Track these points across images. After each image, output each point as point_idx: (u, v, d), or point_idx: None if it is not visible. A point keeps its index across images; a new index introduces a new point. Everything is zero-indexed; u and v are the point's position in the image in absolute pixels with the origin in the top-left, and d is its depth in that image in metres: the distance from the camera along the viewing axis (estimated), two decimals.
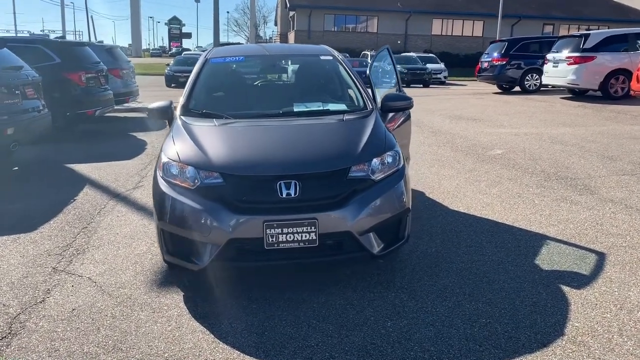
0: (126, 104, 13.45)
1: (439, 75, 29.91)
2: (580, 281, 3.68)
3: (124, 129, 11.56)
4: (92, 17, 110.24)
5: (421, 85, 27.31)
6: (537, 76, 18.56)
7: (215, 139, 3.71)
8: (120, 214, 5.32)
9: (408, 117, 5.56)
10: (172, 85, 24.11)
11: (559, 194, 5.85)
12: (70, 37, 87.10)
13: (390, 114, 4.91)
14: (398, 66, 23.75)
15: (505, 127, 10.94)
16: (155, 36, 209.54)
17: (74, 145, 9.19)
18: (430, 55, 32.82)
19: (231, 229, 3.29)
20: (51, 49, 9.66)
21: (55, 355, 2.87)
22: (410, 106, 4.71)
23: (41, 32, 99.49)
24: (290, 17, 47.16)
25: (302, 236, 3.30)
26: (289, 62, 4.98)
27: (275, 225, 3.27)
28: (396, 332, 3.06)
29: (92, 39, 73.72)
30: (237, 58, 4.88)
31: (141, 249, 4.38)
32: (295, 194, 3.33)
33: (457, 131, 10.47)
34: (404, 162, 3.81)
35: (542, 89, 18.92)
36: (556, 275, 3.78)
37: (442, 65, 30.75)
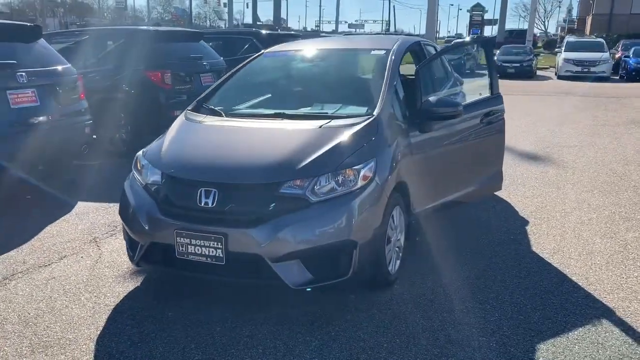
0: None
1: None
2: None
3: None
4: (394, 7, 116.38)
5: None
6: None
7: (181, 137, 3.65)
8: None
9: (498, 130, 4.50)
10: None
11: None
12: (376, 28, 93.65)
13: (453, 122, 4.07)
14: None
15: None
16: (457, 24, 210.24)
17: None
18: None
19: (151, 231, 3.24)
20: (260, 41, 10.64)
21: None
22: (457, 114, 3.83)
23: (356, 22, 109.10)
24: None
25: (209, 251, 3.05)
26: (333, 58, 4.47)
27: (184, 234, 3.09)
28: None
29: (392, 29, 78.05)
30: (288, 52, 4.63)
31: None
32: (212, 203, 3.08)
33: None
34: (367, 184, 3.14)
35: None
36: None
37: None
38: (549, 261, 3.94)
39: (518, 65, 22.78)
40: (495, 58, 23.76)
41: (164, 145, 3.57)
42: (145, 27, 8.96)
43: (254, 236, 2.97)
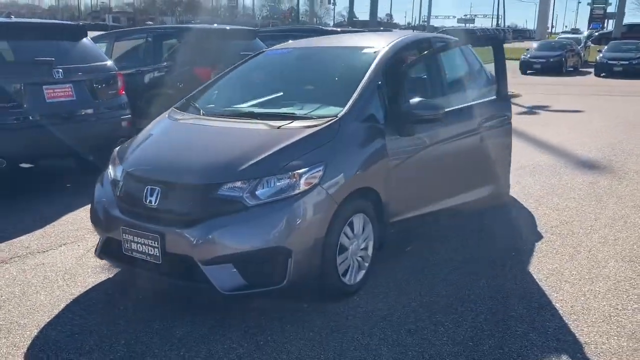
0: None
1: None
2: None
3: None
4: (503, 0, 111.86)
5: None
6: None
7: (150, 134, 3.71)
8: None
9: (502, 136, 4.12)
10: (527, 72, 22.90)
11: None
12: (486, 22, 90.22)
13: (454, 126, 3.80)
14: None
15: None
16: (577, 17, 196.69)
17: None
18: None
19: (106, 226, 3.33)
20: None
21: None
22: (437, 117, 3.57)
23: (465, 17, 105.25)
24: None
25: (147, 249, 3.08)
26: (325, 57, 4.28)
27: (128, 231, 3.14)
28: None
29: (501, 23, 74.64)
30: (285, 51, 4.54)
31: None
32: (155, 202, 3.09)
33: None
34: (310, 189, 3.00)
35: None
36: None
37: None
38: (539, 283, 3.54)
39: (626, 63, 20.88)
40: (601, 54, 21.98)
41: (134, 141, 3.65)
42: (199, 26, 9.27)
43: (186, 237, 2.94)
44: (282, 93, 4.03)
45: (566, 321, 3.07)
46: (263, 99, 3.98)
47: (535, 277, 3.64)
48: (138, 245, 3.10)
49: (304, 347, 2.86)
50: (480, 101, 4.16)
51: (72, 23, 6.66)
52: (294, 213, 2.94)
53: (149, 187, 3.13)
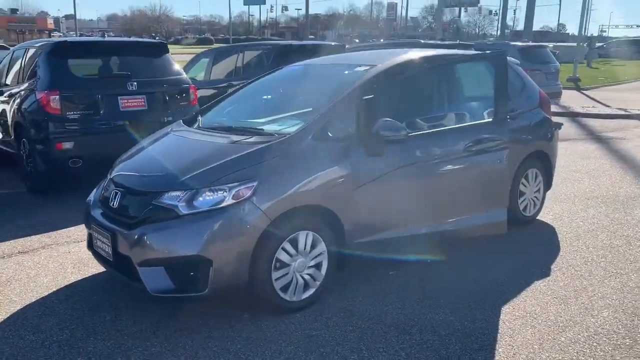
0: None
1: None
2: None
3: None
4: None
5: None
6: None
7: (143, 144, 4.04)
8: None
9: (495, 162, 3.80)
10: None
11: None
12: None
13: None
14: None
15: None
16: None
17: None
18: None
19: (86, 224, 3.75)
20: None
21: None
22: (399, 139, 3.45)
23: None
24: None
25: (104, 247, 3.42)
26: (322, 74, 4.24)
27: (94, 229, 3.51)
28: None
29: None
30: (297, 67, 4.63)
31: None
32: (115, 204, 3.42)
33: None
34: (238, 204, 3.11)
35: None
36: None
37: None
38: (500, 325, 3.21)
39: None
40: None
41: (130, 149, 4.04)
42: (288, 42, 9.68)
43: (128, 238, 3.22)
44: (274, 109, 4.16)
45: None
46: (256, 113, 4.14)
47: (502, 317, 3.31)
48: (100, 243, 3.46)
49: (213, 355, 2.96)
50: (468, 124, 3.87)
51: (154, 41, 7.47)
52: (217, 225, 3.06)
53: (114, 190, 3.48)
